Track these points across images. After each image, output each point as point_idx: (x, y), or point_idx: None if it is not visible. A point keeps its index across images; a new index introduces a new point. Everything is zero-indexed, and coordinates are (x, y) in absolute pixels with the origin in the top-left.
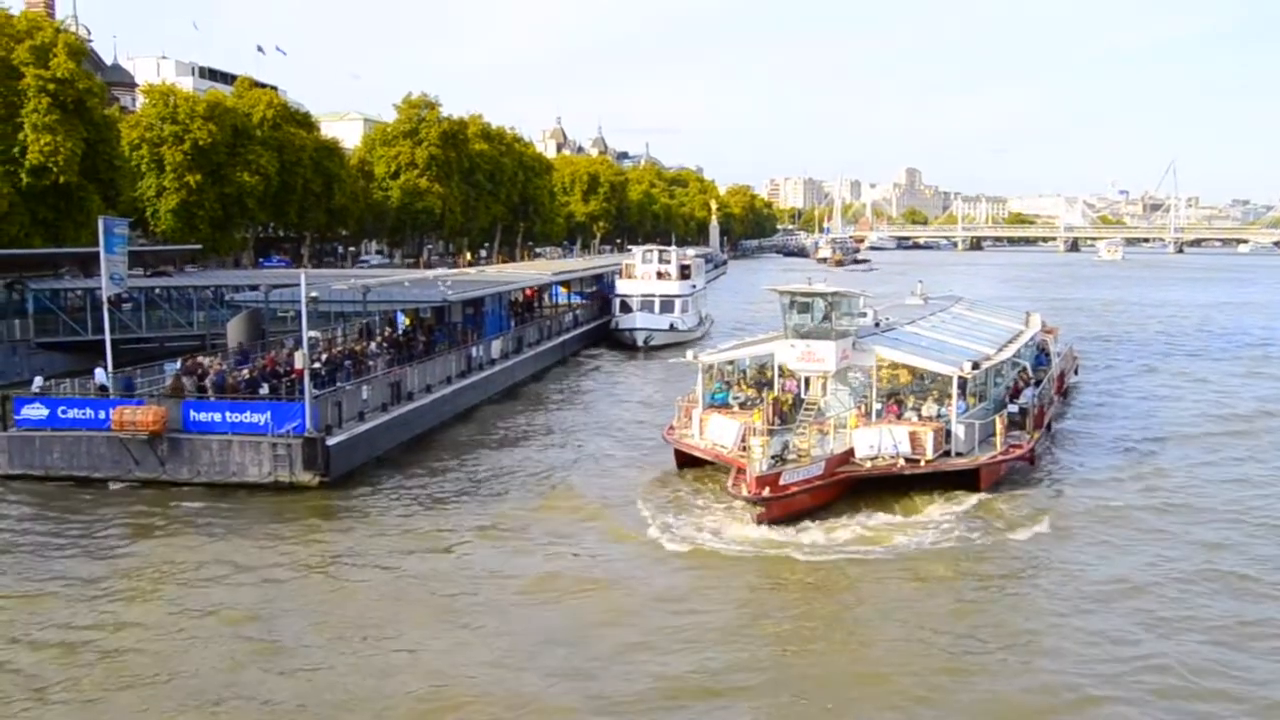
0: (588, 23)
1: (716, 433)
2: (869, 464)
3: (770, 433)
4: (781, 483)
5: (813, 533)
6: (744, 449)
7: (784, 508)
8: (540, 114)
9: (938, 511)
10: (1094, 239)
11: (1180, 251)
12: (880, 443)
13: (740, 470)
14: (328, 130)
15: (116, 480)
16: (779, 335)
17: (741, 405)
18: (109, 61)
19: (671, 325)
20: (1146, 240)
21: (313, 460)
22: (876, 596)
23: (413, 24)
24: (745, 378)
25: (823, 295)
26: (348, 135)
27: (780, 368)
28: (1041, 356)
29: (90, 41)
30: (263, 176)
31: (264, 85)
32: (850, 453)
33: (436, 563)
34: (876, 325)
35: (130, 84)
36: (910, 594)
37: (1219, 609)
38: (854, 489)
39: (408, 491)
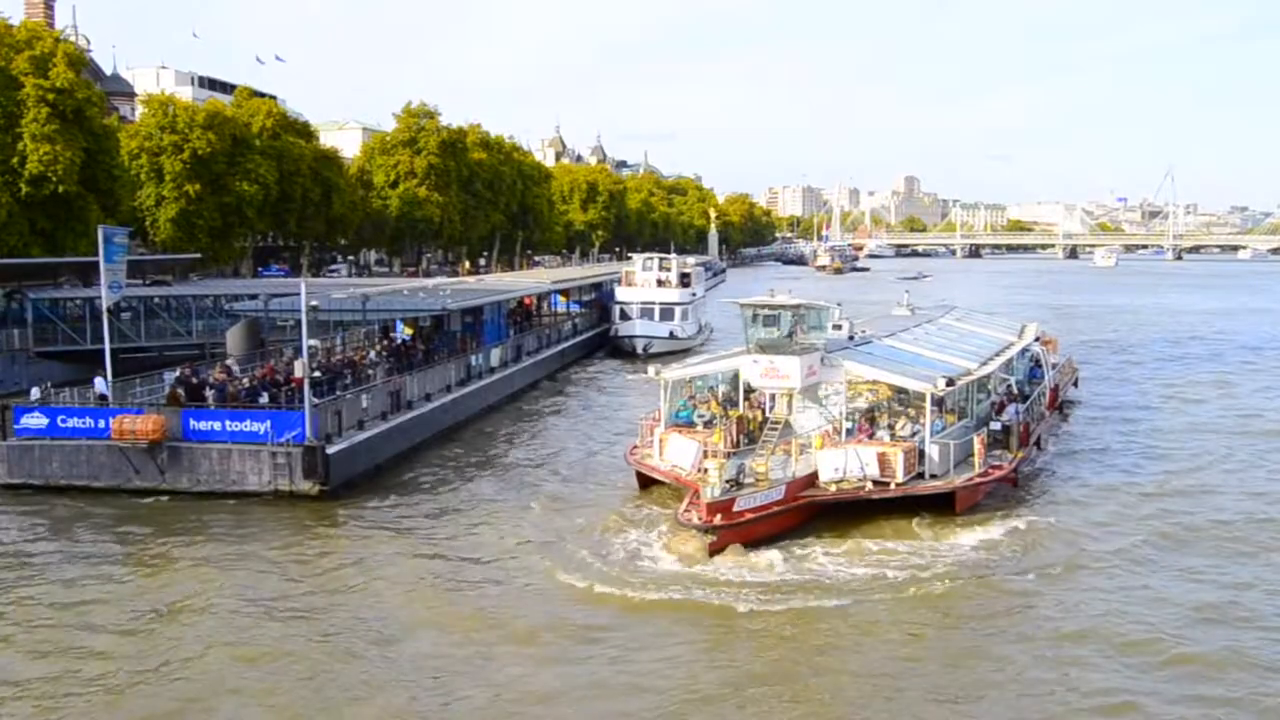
0: (587, 32)
1: (675, 453)
2: (834, 488)
3: (731, 454)
4: (735, 509)
5: (766, 567)
6: (702, 471)
7: (738, 536)
8: (539, 123)
9: (907, 539)
10: (1092, 246)
11: (1179, 258)
12: (846, 465)
13: (696, 494)
14: (327, 139)
15: (116, 490)
16: (745, 350)
17: (706, 424)
18: (108, 71)
19: (671, 333)
20: (1145, 247)
21: (312, 469)
22: (831, 653)
23: (411, 33)
24: (715, 395)
25: (787, 308)
26: (347, 144)
27: (745, 384)
28: (1036, 369)
29: (90, 51)
30: (262, 186)
31: (263, 95)
32: (815, 476)
33: (433, 574)
34: (850, 338)
35: (129, 94)
36: (868, 644)
37: (1211, 664)
38: (819, 514)
39: (407, 500)
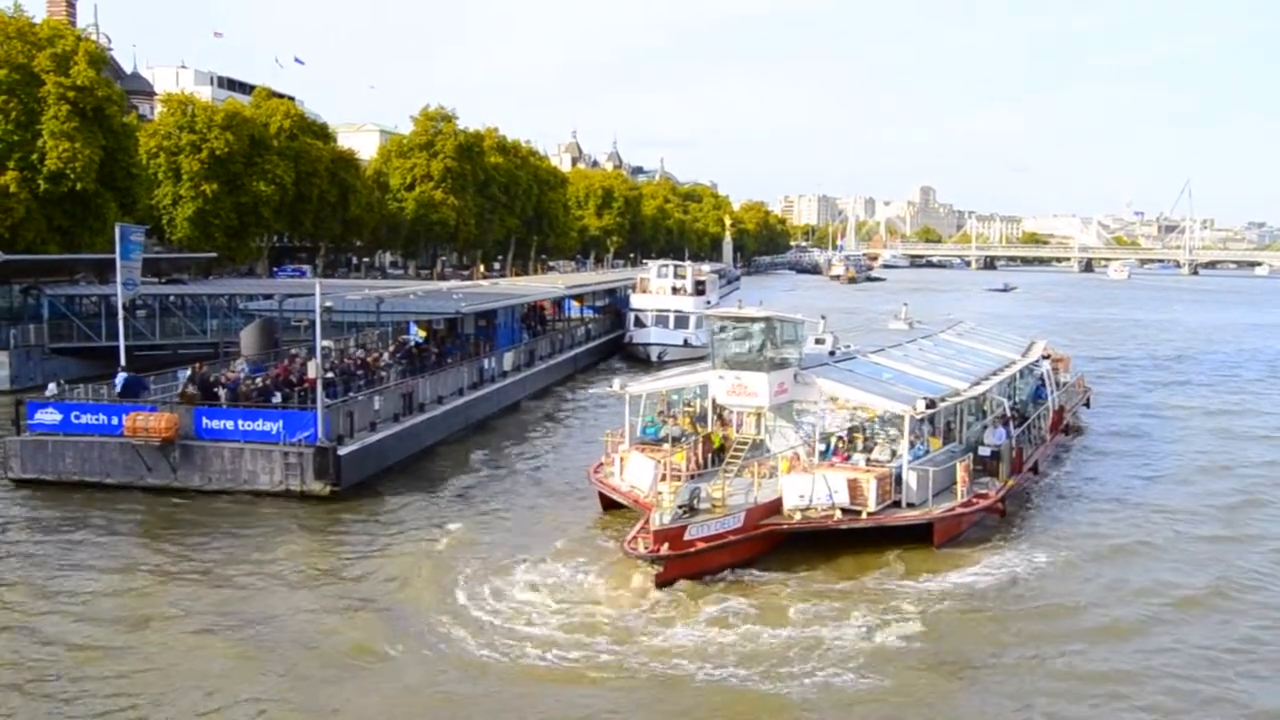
0: (604, 37)
1: (635, 473)
2: (798, 516)
3: (694, 476)
4: (686, 538)
5: (709, 608)
6: (658, 494)
7: (688, 567)
8: (556, 128)
9: (876, 574)
10: (1108, 259)
11: (1195, 273)
12: (813, 491)
13: (648, 520)
14: (344, 141)
15: (128, 486)
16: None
17: (675, 441)
18: (129, 70)
19: (685, 341)
20: (1161, 261)
21: (324, 469)
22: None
23: (430, 37)
24: (691, 411)
25: (757, 320)
26: (364, 146)
27: (713, 401)
28: (1042, 389)
29: (110, 50)
30: (279, 186)
31: (281, 96)
32: (779, 503)
33: (439, 578)
34: (831, 353)
35: (149, 92)
36: (817, 701)
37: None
38: (783, 545)
39: (417, 503)
